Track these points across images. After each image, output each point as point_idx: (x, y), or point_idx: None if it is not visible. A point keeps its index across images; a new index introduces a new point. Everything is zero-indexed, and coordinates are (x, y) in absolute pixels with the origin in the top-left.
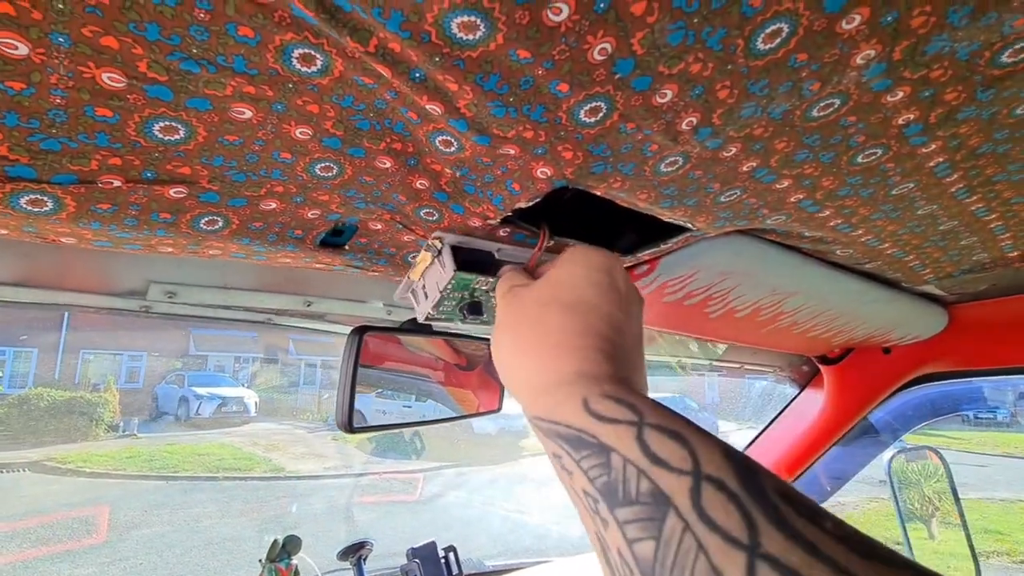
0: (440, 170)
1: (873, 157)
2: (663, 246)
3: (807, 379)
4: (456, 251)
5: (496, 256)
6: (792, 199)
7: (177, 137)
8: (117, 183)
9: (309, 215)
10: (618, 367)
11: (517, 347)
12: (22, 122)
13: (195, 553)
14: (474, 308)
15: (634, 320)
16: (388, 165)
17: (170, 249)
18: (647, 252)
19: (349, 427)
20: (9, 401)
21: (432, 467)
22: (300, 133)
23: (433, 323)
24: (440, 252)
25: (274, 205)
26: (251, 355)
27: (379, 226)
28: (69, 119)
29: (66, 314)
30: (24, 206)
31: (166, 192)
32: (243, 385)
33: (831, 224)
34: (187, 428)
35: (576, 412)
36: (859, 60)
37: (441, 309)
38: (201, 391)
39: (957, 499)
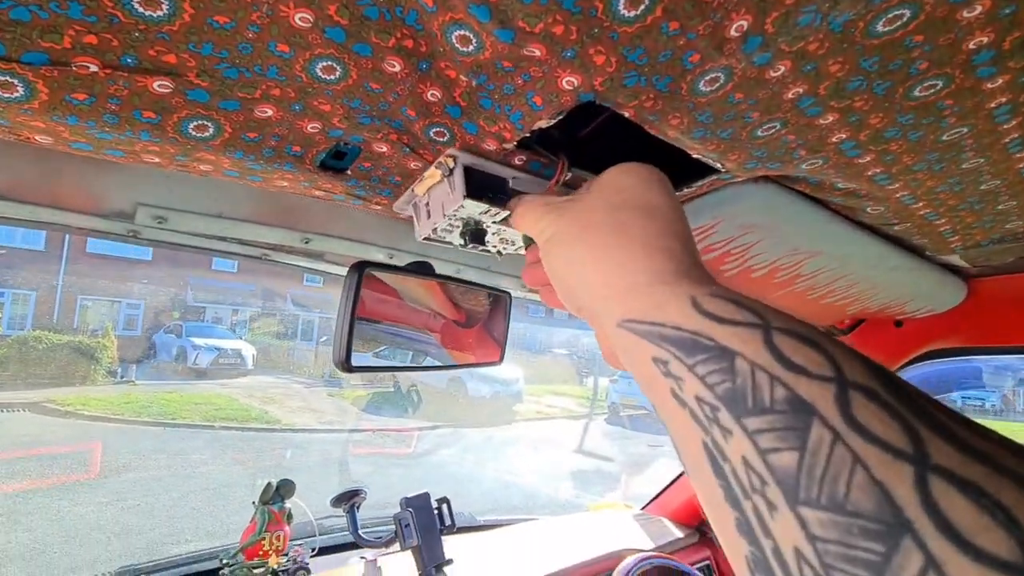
0: (455, 77)
1: (932, 90)
2: (686, 190)
3: None
4: (469, 174)
5: (510, 185)
6: (834, 139)
7: (160, 13)
8: (93, 67)
9: (309, 128)
10: (705, 269)
11: (591, 252)
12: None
13: (191, 497)
14: (476, 236)
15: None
16: (397, 68)
17: (156, 159)
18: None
19: (347, 364)
20: (8, 343)
21: (426, 426)
22: (300, 19)
23: (432, 245)
24: (452, 172)
25: (270, 112)
26: (249, 307)
27: (384, 148)
28: None
29: (64, 258)
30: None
31: (149, 84)
32: (240, 338)
33: (869, 173)
34: (184, 377)
35: (686, 312)
36: None
37: (442, 231)
38: (199, 341)
39: None
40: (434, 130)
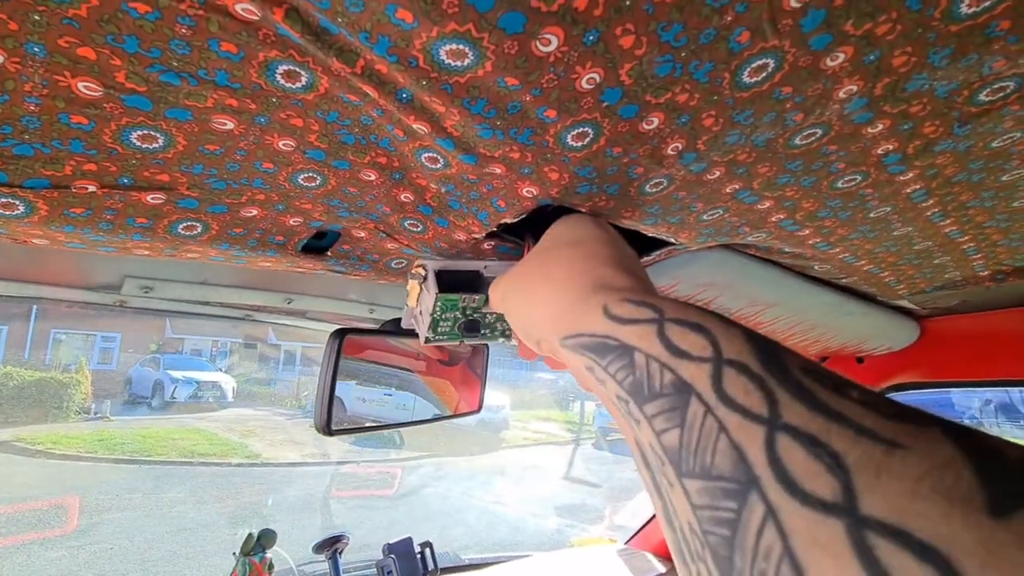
0: (425, 185)
1: (853, 183)
2: (645, 258)
3: None
4: (441, 275)
5: (484, 274)
6: (773, 219)
7: (156, 145)
8: (92, 188)
9: (291, 222)
10: (632, 276)
11: (529, 291)
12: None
13: (167, 539)
14: (471, 326)
15: (629, 249)
16: (373, 178)
17: (147, 252)
18: None
19: (327, 429)
20: None
21: (411, 457)
22: (283, 145)
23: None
24: (425, 278)
25: (255, 212)
26: (229, 340)
27: (363, 234)
28: (43, 125)
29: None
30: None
31: (143, 198)
32: (220, 370)
33: (810, 242)
34: (161, 412)
35: (598, 320)
36: (841, 94)
37: (440, 331)
38: (177, 375)
39: None
40: (408, 222)
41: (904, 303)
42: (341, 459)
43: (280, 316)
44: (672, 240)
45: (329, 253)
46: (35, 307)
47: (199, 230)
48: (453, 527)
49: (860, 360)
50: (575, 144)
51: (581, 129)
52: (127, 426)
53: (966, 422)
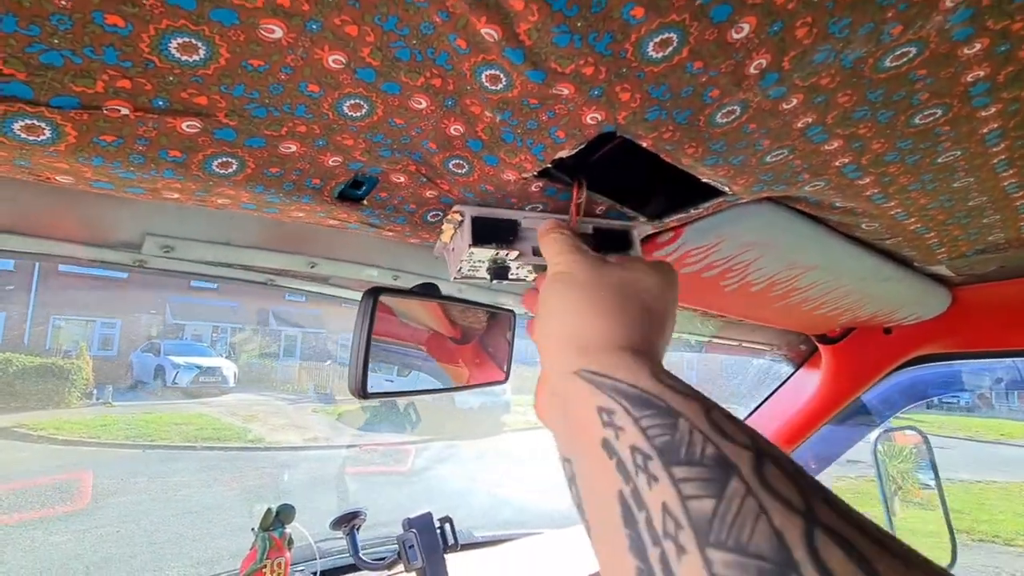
0: (479, 113)
1: (931, 118)
2: (692, 211)
3: (804, 358)
4: (477, 223)
5: (521, 224)
6: (837, 163)
7: (196, 58)
8: (125, 110)
9: (330, 162)
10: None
11: (585, 305)
12: (20, 28)
13: (173, 522)
14: (500, 272)
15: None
16: (424, 105)
17: (176, 195)
18: (675, 218)
19: (363, 392)
20: None
21: (416, 440)
22: (333, 61)
23: (435, 265)
24: (461, 224)
25: (294, 148)
26: (230, 325)
27: (402, 179)
28: (74, 26)
29: (35, 278)
30: (18, 133)
31: (178, 125)
32: (222, 355)
33: (867, 194)
34: (163, 397)
35: (645, 376)
36: (948, 3)
37: (468, 270)
38: (178, 360)
39: (937, 477)
40: (453, 162)
41: (940, 269)
42: (350, 443)
43: (303, 282)
44: (726, 189)
45: (365, 202)
46: (33, 293)
47: (234, 168)
48: (459, 508)
49: (888, 331)
50: (655, 55)
51: (665, 35)
52: (130, 411)
53: (962, 402)
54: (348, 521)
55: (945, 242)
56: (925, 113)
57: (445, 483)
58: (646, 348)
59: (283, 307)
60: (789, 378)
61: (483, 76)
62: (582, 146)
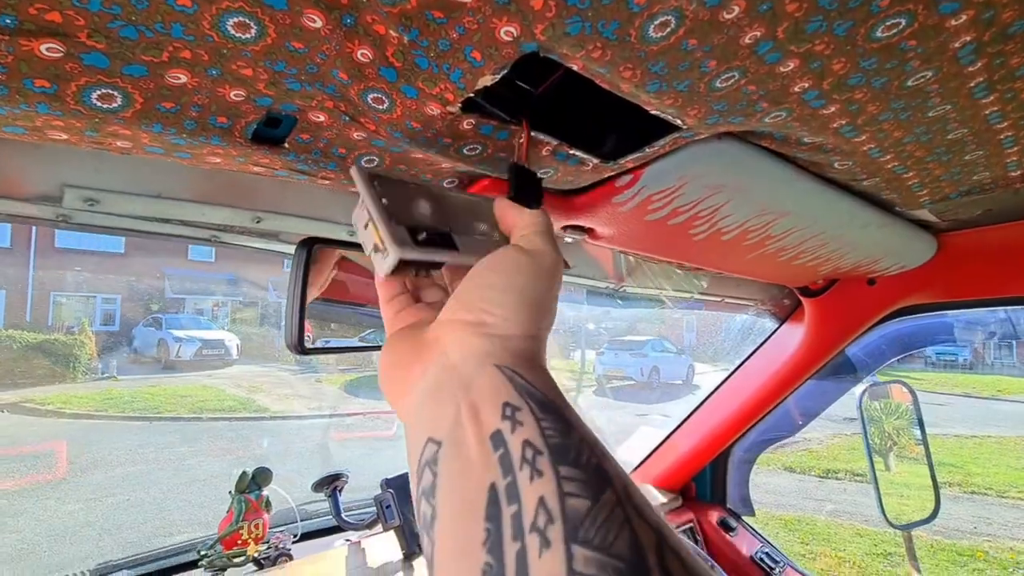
0: (384, 33)
1: (895, 30)
2: (648, 150)
3: (788, 313)
4: (377, 183)
5: (444, 194)
6: (796, 88)
7: None
8: None
9: (232, 96)
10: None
11: (531, 295)
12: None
13: (182, 490)
14: (444, 239)
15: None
16: (319, 24)
17: (63, 135)
18: (631, 157)
19: (300, 347)
20: None
21: None
22: None
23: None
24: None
25: (184, 78)
26: (230, 298)
27: (322, 117)
28: None
29: (32, 254)
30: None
31: (35, 48)
32: (223, 328)
33: (834, 125)
34: (167, 371)
35: (552, 385)
36: None
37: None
38: (180, 334)
39: (923, 432)
40: (372, 95)
41: (924, 214)
42: (344, 411)
43: (250, 238)
44: (678, 122)
45: (287, 145)
46: (31, 269)
47: (119, 102)
48: None
49: (871, 282)
50: None
51: None
52: (134, 385)
53: (960, 359)
54: (330, 483)
55: (926, 183)
56: (888, 23)
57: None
58: (542, 346)
59: (282, 278)
60: (773, 333)
61: None
62: (504, 70)
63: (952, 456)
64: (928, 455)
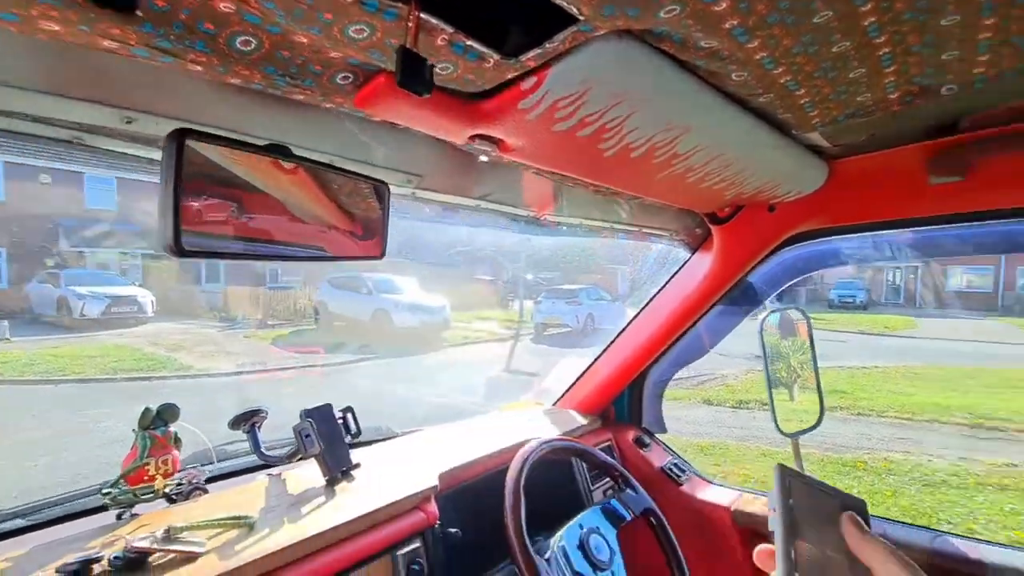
0: None
1: None
2: (548, 46)
3: (699, 242)
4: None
5: None
6: None
7: None
8: None
9: None
10: None
11: None
12: None
13: (99, 452)
14: None
15: None
16: None
17: None
18: (532, 54)
19: (176, 247)
20: None
21: (354, 359)
22: None
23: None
24: None
25: None
26: (139, 251)
27: None
28: None
29: None
30: None
31: None
32: (134, 283)
33: (726, 26)
34: (72, 330)
35: None
36: None
37: None
38: (83, 290)
39: (814, 352)
40: None
41: (816, 138)
42: (277, 367)
43: (124, 144)
44: (574, 10)
45: (139, 12)
46: None
47: None
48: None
49: (772, 208)
50: None
51: None
52: (33, 347)
53: (858, 300)
54: (247, 419)
55: (816, 103)
56: None
57: (385, 395)
58: None
59: None
60: (686, 262)
61: None
62: None
63: (844, 385)
64: (816, 372)
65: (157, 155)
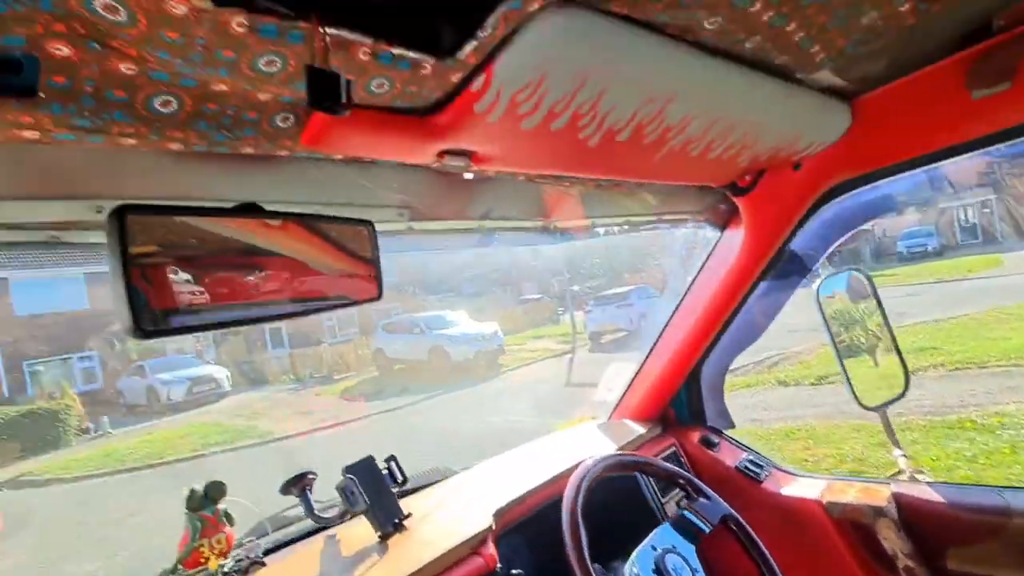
0: None
1: None
2: (482, 35)
3: (727, 218)
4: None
5: None
6: None
7: None
8: None
9: None
10: None
11: None
12: None
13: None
14: None
15: None
16: None
17: None
18: (469, 48)
19: (138, 329)
20: None
21: (420, 399)
22: None
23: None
24: None
25: None
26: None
27: (65, 50)
28: None
29: None
30: None
31: None
32: (210, 362)
33: None
34: (162, 416)
35: None
36: None
37: None
38: (166, 376)
39: (884, 314)
40: (99, 2)
41: (827, 76)
42: (351, 417)
43: (100, 233)
44: None
45: (42, 95)
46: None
47: None
48: (461, 451)
49: (797, 166)
50: None
51: None
52: (131, 436)
53: (930, 247)
54: (297, 483)
55: (813, 35)
56: None
57: (448, 430)
58: None
59: None
60: (716, 244)
61: None
62: None
63: (933, 340)
64: (891, 333)
65: None
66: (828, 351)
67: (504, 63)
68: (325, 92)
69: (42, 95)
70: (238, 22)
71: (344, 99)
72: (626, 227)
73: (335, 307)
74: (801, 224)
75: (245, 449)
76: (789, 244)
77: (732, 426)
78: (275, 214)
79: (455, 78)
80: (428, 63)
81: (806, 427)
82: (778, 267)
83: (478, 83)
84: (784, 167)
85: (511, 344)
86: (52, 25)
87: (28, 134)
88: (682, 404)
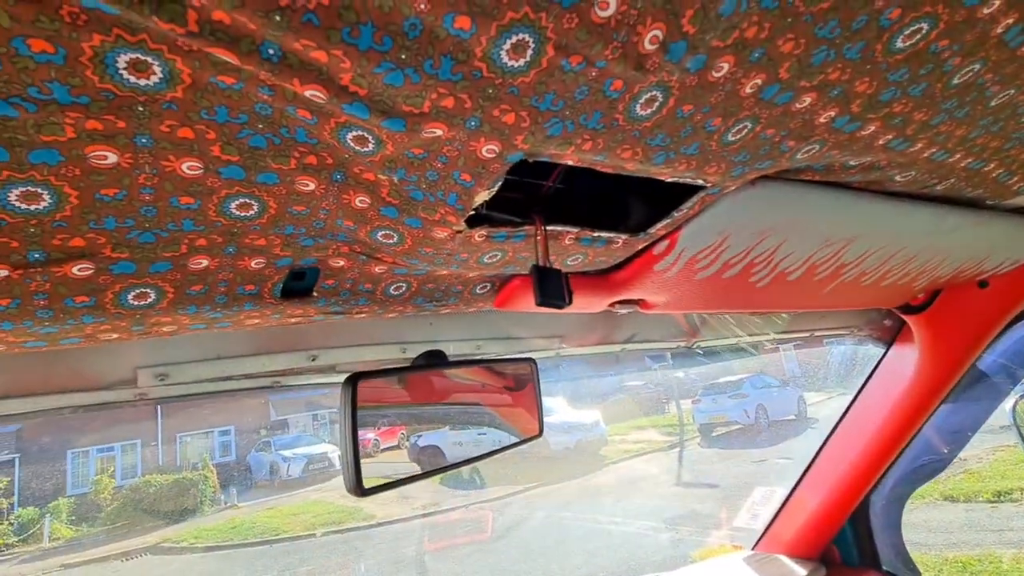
0: (374, 179)
1: (919, 36)
2: (677, 215)
3: (892, 334)
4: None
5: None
6: (822, 119)
7: (43, 205)
8: (3, 272)
9: (253, 265)
10: None
11: None
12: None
13: None
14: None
15: None
16: (312, 187)
17: (114, 335)
18: (661, 226)
19: (359, 489)
20: (124, 493)
21: (516, 491)
22: (188, 168)
23: (442, 329)
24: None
25: (205, 262)
26: (328, 411)
27: (342, 262)
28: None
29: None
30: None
31: (68, 271)
32: (324, 441)
33: (880, 142)
34: (281, 491)
35: None
36: None
37: None
38: (287, 453)
39: None
40: (380, 233)
41: (1021, 201)
42: (449, 506)
43: (310, 376)
44: (701, 182)
45: (315, 294)
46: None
47: (153, 297)
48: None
49: (983, 284)
50: (514, 64)
51: (516, 38)
52: (254, 509)
53: None
54: None
55: (1014, 170)
56: (907, 32)
57: (541, 540)
58: None
59: None
60: (881, 360)
61: (348, 139)
62: (498, 183)
63: None
64: None
65: (336, 378)
66: (1001, 458)
67: (689, 232)
68: (550, 290)
69: (315, 294)
70: (480, 235)
71: (568, 300)
72: (766, 347)
73: (504, 450)
74: (992, 342)
75: (349, 532)
76: (978, 364)
77: (917, 573)
78: (457, 362)
79: (640, 246)
80: (621, 239)
81: (989, 558)
82: (965, 387)
83: (660, 248)
84: (967, 285)
85: (613, 434)
86: (196, 242)
87: (294, 320)
88: (848, 542)
